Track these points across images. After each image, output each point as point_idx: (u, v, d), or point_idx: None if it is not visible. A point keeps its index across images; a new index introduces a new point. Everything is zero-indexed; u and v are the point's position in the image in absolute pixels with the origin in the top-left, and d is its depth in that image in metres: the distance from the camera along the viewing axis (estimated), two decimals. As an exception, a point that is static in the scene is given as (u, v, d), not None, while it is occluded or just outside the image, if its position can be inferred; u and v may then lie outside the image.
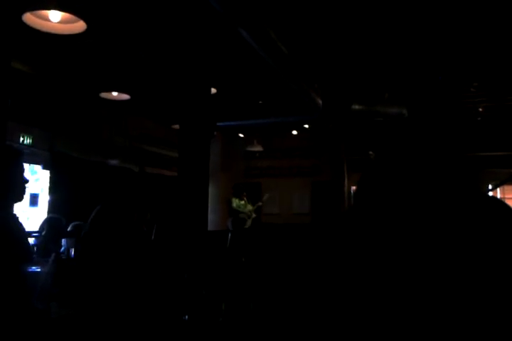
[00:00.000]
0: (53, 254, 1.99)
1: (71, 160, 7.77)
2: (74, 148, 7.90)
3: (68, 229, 4.82)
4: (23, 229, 1.86)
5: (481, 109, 8.22)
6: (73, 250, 4.15)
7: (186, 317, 3.25)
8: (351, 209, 1.20)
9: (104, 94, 6.79)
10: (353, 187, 11.44)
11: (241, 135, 11.21)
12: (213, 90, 6.16)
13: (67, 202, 7.21)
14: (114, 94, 6.76)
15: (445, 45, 5.76)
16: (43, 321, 1.72)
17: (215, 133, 9.11)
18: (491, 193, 9.01)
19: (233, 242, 8.63)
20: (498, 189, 10.43)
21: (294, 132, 10.78)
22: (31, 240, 4.67)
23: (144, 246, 2.65)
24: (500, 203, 1.00)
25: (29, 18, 3.87)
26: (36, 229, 4.85)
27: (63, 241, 4.57)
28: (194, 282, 3.90)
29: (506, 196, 10.13)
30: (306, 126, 10.20)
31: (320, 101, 7.84)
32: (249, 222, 9.22)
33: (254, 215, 9.40)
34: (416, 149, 1.11)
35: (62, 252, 4.31)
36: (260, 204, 9.82)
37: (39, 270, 1.73)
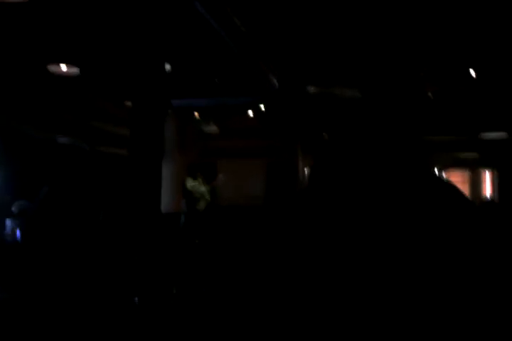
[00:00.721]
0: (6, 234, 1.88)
1: (18, 136, 7.44)
2: (21, 124, 7.56)
3: (12, 208, 4.61)
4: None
5: (429, 94, 8.43)
6: (18, 231, 3.98)
7: (136, 299, 3.20)
8: (304, 192, 1.18)
9: (53, 68, 6.48)
10: (307, 169, 11.58)
11: (196, 114, 11.06)
12: (168, 67, 6.00)
13: (12, 180, 6.92)
14: (64, 68, 6.47)
15: (397, 29, 5.83)
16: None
17: (170, 111, 8.95)
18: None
19: (187, 224, 8.59)
20: (443, 173, 10.83)
21: (250, 112, 10.74)
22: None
23: (92, 229, 2.57)
24: (451, 185, 1.01)
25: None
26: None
27: (7, 221, 4.37)
28: (146, 264, 3.84)
29: (452, 179, 10.53)
30: (262, 106, 10.17)
31: (276, 82, 7.82)
32: (202, 204, 9.13)
33: (208, 197, 9.32)
34: (369, 131, 1.10)
35: (8, 233, 4.12)
36: (216, 182, 9.73)
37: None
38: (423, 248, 0.89)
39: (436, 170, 9.04)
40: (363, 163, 1.05)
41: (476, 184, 12.09)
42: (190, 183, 9.05)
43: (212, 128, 11.03)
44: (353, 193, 1.01)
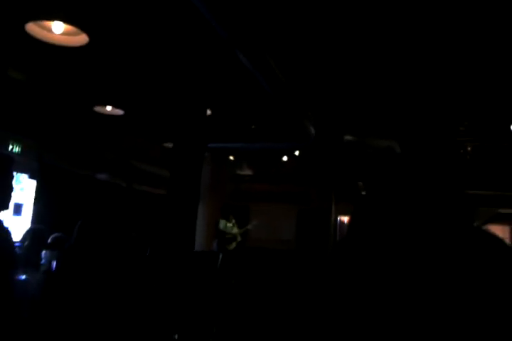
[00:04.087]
0: (42, 265, 1.94)
1: (59, 172, 7.71)
2: (63, 160, 7.84)
3: (48, 240, 4.72)
4: (10, 236, 1.81)
5: (469, 148, 8.35)
6: (55, 263, 4.06)
7: (176, 336, 3.18)
8: (344, 241, 1.18)
9: (98, 108, 6.79)
10: (340, 217, 11.46)
11: (231, 158, 11.23)
12: (208, 111, 6.19)
13: (51, 214, 7.10)
14: (108, 108, 6.77)
15: (438, 83, 5.88)
16: (28, 330, 1.67)
17: (206, 154, 9.14)
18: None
19: (223, 264, 8.61)
20: (484, 227, 10.48)
21: (285, 158, 10.83)
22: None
23: (129, 262, 2.60)
24: (497, 239, 1.00)
25: (32, 28, 3.89)
26: (18, 239, 4.74)
27: (43, 253, 4.47)
28: (185, 302, 3.83)
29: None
30: (297, 153, 10.26)
31: (312, 130, 7.91)
32: (233, 245, 9.15)
33: (239, 238, 9.35)
34: (409, 184, 1.09)
35: (43, 264, 4.20)
36: (249, 227, 9.79)
37: (26, 278, 1.68)
38: (467, 301, 0.88)
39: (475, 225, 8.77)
40: (404, 213, 1.05)
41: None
42: (223, 224, 9.13)
43: (246, 172, 11.14)
44: (394, 246, 1.00)
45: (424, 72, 5.53)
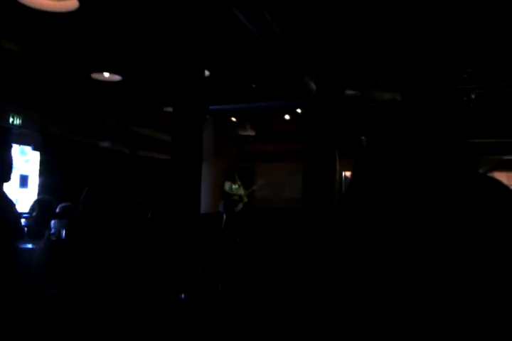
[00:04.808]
0: (47, 232, 1.97)
1: (62, 142, 7.71)
2: (65, 130, 7.82)
3: (56, 210, 4.78)
4: (14, 207, 1.82)
5: (473, 96, 8.22)
6: (64, 231, 4.12)
7: (183, 296, 3.27)
8: (345, 197, 1.17)
9: (95, 75, 6.68)
10: (345, 173, 11.48)
11: (233, 119, 11.16)
12: (206, 72, 6.08)
13: (57, 184, 7.16)
14: (106, 74, 6.66)
15: (438, 30, 5.72)
16: (35, 298, 1.71)
17: (208, 116, 9.07)
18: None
19: (228, 224, 8.75)
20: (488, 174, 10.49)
21: (287, 116, 10.75)
22: (21, 221, 4.61)
23: (136, 227, 2.64)
24: (502, 185, 0.98)
25: (20, -6, 3.77)
26: (26, 210, 4.80)
27: (52, 222, 4.53)
28: (190, 262, 3.92)
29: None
30: (299, 110, 10.16)
31: (314, 86, 7.79)
32: (240, 206, 9.24)
33: (246, 199, 9.43)
34: (411, 134, 1.07)
35: (53, 233, 4.27)
36: (254, 188, 9.85)
37: (31, 247, 1.70)
38: (471, 249, 0.88)
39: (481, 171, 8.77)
40: (406, 165, 1.03)
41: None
42: (228, 186, 9.19)
43: (249, 133, 11.09)
44: (397, 200, 0.99)
45: (424, 19, 5.37)
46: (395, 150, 1.06)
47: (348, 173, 11.50)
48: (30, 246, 1.65)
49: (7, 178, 1.81)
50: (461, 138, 1.07)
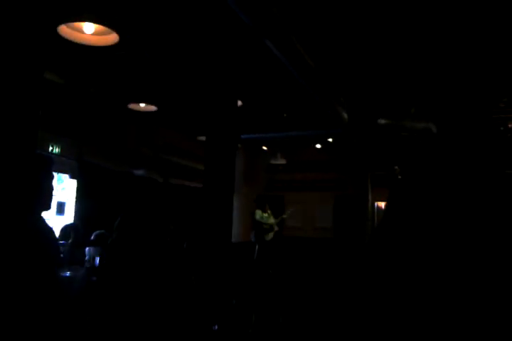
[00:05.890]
0: (86, 260, 2.00)
1: (98, 170, 7.90)
2: (101, 158, 8.02)
3: (91, 238, 4.86)
4: (54, 235, 1.87)
5: (510, 125, 8.06)
6: (98, 259, 4.18)
7: (216, 327, 3.24)
8: (381, 229, 1.16)
9: (132, 105, 6.89)
10: (377, 203, 11.32)
11: (264, 148, 11.23)
12: (239, 102, 6.19)
13: (92, 211, 7.30)
14: (142, 105, 6.86)
15: (473, 59, 5.69)
16: (75, 325, 1.72)
17: (239, 145, 9.17)
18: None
19: (260, 254, 8.68)
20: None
21: (318, 145, 10.75)
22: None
23: (168, 256, 2.65)
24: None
25: (64, 29, 3.96)
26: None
27: (86, 249, 4.61)
28: (224, 292, 3.89)
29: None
30: (330, 139, 10.16)
31: (345, 115, 7.80)
32: (271, 235, 9.19)
33: (276, 228, 9.38)
34: (448, 167, 1.06)
35: (87, 260, 4.34)
36: (284, 216, 9.81)
37: (69, 275, 1.73)
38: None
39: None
40: (443, 198, 1.02)
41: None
42: (259, 215, 9.18)
43: (280, 162, 11.12)
44: (434, 228, 0.98)
45: (459, 49, 5.37)
46: (431, 183, 1.05)
47: (380, 203, 11.34)
48: (68, 273, 1.68)
49: (48, 207, 1.88)
50: (499, 170, 1.05)
